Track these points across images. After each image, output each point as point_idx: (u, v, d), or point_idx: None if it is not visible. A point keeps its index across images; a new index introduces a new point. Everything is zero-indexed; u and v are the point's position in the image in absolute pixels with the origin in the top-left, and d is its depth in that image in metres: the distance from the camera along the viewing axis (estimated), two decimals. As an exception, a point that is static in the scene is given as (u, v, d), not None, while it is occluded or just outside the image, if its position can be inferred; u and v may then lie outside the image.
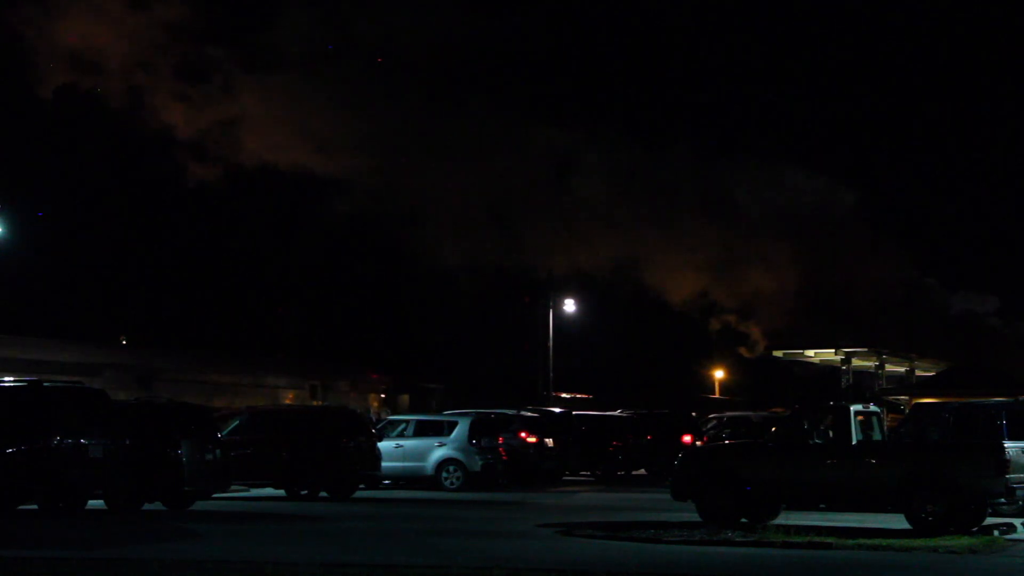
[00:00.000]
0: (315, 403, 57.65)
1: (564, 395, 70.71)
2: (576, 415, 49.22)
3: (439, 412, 45.81)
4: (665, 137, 61.52)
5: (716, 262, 56.61)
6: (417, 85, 52.57)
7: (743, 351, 68.73)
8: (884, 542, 22.25)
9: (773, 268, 55.85)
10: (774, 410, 55.54)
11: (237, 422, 35.58)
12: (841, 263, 56.07)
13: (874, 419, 26.18)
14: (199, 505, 29.93)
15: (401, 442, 39.31)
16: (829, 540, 22.15)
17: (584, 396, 72.99)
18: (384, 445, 37.30)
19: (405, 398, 64.94)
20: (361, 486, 35.64)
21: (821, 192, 56.14)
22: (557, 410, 51.18)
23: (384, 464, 36.52)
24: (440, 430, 39.91)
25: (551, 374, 67.93)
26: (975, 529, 24.18)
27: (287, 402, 59.42)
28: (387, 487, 38.78)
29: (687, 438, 46.15)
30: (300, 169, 52.53)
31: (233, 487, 33.05)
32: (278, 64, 50.38)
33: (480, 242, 54.81)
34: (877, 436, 26.03)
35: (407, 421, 41.22)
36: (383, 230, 56.90)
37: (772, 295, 56.00)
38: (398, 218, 54.88)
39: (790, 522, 24.33)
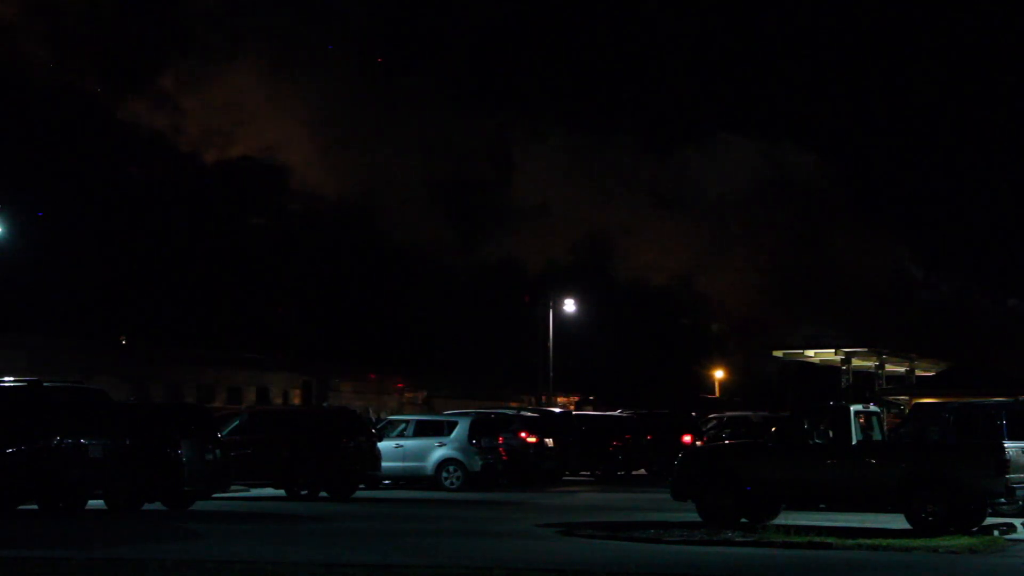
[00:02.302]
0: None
1: (560, 399, 70.74)
2: (576, 415, 49.22)
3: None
4: (614, 121, 60.54)
5: (684, 249, 55.57)
6: (355, 68, 51.83)
7: (724, 364, 68.34)
8: (884, 542, 22.25)
9: (742, 254, 54.92)
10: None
11: (237, 422, 35.61)
12: (816, 245, 55.25)
13: (874, 419, 26.20)
14: (199, 505, 29.93)
15: (401, 442, 39.32)
16: (829, 540, 22.15)
17: (580, 399, 73.02)
18: (384, 445, 37.29)
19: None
20: (361, 486, 35.65)
21: (787, 164, 54.79)
22: (557, 410, 51.19)
23: (384, 464, 36.52)
24: (440, 430, 39.91)
25: (551, 374, 67.94)
26: (975, 529, 24.18)
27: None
28: (387, 487, 38.78)
29: (687, 438, 46.15)
30: (251, 161, 51.92)
31: (233, 487, 33.06)
32: (207, 48, 49.73)
33: (440, 235, 54.33)
34: (877, 436, 26.05)
35: (407, 421, 41.24)
36: (379, 230, 56.60)
37: (741, 283, 55.18)
38: (351, 210, 54.18)
39: (790, 522, 24.34)
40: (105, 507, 28.48)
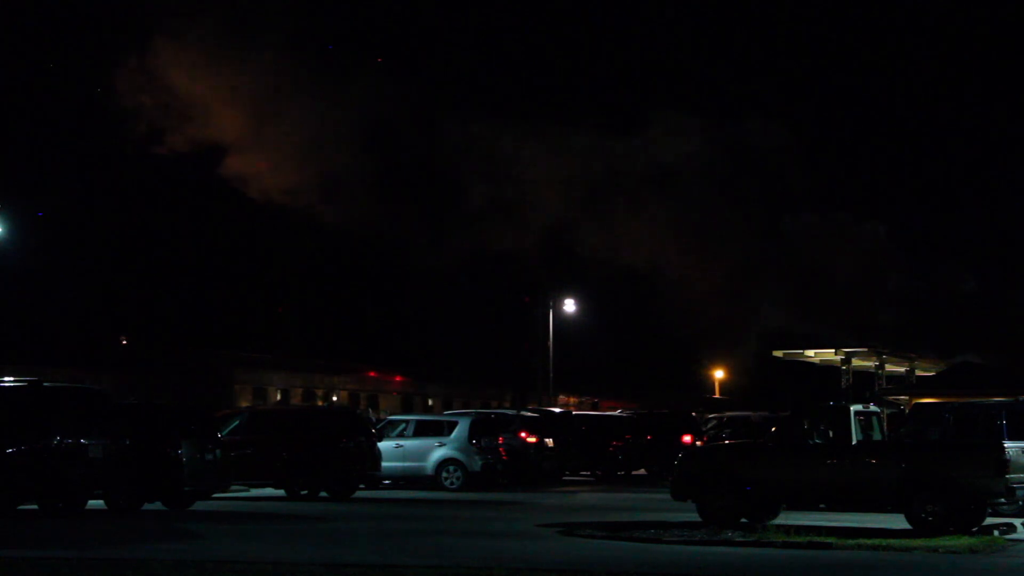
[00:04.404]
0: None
1: (564, 398, 70.74)
2: (576, 415, 49.19)
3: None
4: (572, 108, 60.19)
5: (649, 242, 54.85)
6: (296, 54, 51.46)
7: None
8: (884, 542, 22.26)
9: (705, 244, 54.17)
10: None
11: (237, 422, 35.59)
12: (783, 231, 54.70)
13: (874, 419, 26.21)
14: (199, 505, 29.93)
15: (401, 442, 39.32)
16: (829, 540, 22.16)
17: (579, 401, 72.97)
18: (384, 445, 37.29)
19: None
20: (361, 486, 35.66)
21: (752, 144, 53.86)
22: (557, 410, 51.15)
23: (384, 464, 36.53)
24: (440, 430, 39.91)
25: (551, 374, 67.92)
26: (975, 529, 24.18)
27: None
28: (387, 487, 38.79)
29: (687, 438, 46.13)
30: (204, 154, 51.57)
31: (233, 487, 33.07)
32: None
33: (406, 229, 54.01)
34: (877, 436, 26.06)
35: (407, 421, 41.24)
36: (378, 230, 56.42)
37: (705, 278, 54.55)
38: (313, 200, 53.82)
39: (790, 522, 24.35)
40: (105, 507, 28.50)
